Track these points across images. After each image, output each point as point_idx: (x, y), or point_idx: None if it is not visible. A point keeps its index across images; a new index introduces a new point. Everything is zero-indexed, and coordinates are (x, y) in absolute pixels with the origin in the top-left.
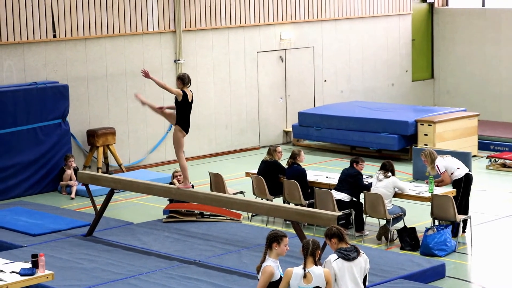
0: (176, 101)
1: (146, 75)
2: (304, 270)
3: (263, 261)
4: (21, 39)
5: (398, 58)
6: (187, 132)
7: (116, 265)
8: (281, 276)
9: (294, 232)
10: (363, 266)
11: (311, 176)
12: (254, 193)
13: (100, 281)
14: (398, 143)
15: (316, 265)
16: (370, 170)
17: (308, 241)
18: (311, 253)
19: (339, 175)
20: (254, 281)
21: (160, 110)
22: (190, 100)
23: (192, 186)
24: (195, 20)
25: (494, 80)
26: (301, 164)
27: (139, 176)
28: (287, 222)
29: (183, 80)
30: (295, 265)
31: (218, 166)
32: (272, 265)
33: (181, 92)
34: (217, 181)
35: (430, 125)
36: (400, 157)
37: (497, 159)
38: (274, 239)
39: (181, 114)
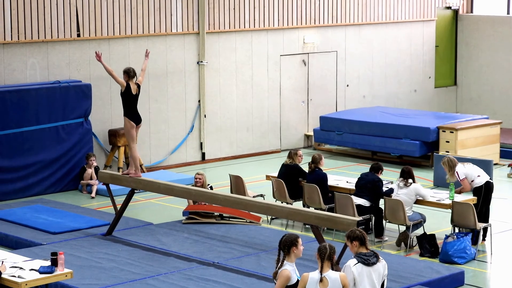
0: (121, 92)
1: (99, 57)
2: (321, 275)
3: (277, 267)
4: (45, 38)
5: (421, 64)
6: (136, 123)
7: (135, 265)
8: (298, 279)
9: (313, 236)
10: (381, 272)
11: (331, 180)
12: (274, 196)
13: (118, 281)
14: (419, 150)
15: (333, 269)
16: (391, 176)
17: (325, 245)
18: (328, 258)
19: (357, 180)
20: (272, 285)
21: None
22: (134, 93)
23: (211, 188)
24: (218, 22)
25: None
26: (321, 168)
27: (160, 176)
28: (307, 226)
29: (129, 74)
30: (314, 269)
31: (238, 168)
32: (289, 269)
33: (124, 83)
34: (237, 184)
35: (452, 132)
36: (421, 164)
37: None
38: (291, 243)
39: (126, 105)
